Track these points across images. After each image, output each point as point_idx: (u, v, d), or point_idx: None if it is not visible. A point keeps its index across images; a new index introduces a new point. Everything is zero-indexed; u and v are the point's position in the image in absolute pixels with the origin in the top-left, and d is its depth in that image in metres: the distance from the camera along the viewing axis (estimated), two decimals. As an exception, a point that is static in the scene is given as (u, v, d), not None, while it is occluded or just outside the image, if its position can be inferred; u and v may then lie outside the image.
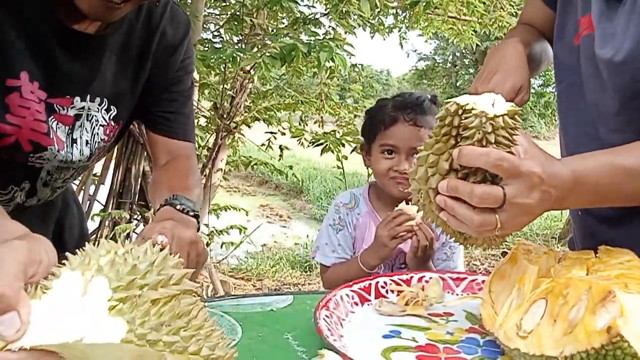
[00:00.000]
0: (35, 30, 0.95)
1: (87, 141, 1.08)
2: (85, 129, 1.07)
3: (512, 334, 0.77)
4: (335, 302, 0.96)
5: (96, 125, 1.09)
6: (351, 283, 1.03)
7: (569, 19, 1.07)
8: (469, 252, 5.05)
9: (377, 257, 1.44)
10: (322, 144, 3.40)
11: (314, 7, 3.43)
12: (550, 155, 0.81)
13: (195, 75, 3.29)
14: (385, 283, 1.06)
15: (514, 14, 4.26)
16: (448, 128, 0.77)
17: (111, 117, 1.10)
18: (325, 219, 1.65)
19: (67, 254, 0.58)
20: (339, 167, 3.67)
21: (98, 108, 1.08)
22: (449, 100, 0.77)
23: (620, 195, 0.85)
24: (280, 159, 3.92)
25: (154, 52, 1.12)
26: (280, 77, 4.22)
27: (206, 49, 2.88)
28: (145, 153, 3.27)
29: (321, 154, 3.43)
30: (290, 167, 4.18)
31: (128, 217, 3.25)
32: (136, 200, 3.36)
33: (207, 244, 3.71)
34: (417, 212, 1.37)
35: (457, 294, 1.07)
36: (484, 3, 4.14)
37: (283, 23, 3.53)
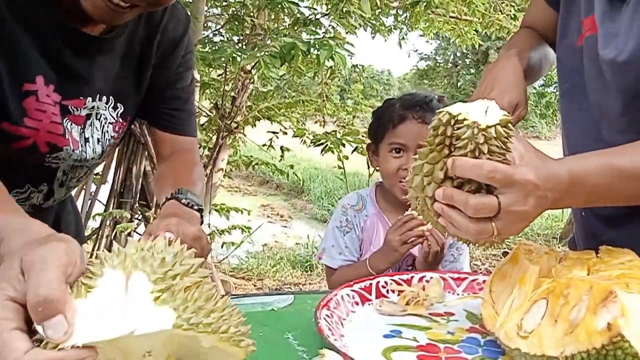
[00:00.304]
0: (45, 34, 0.97)
1: (98, 139, 1.11)
2: (96, 127, 1.10)
3: (512, 334, 0.77)
4: (336, 301, 0.96)
5: (105, 123, 1.11)
6: (352, 283, 1.03)
7: (572, 19, 1.07)
8: (470, 252, 5.03)
9: (387, 262, 1.43)
10: (323, 144, 3.40)
11: (315, 8, 3.43)
12: (546, 156, 0.81)
13: (196, 75, 3.30)
14: (386, 283, 1.06)
15: (513, 16, 4.26)
16: (441, 137, 0.77)
17: (119, 115, 1.13)
18: (332, 220, 1.63)
19: (99, 253, 0.59)
20: (339, 167, 3.67)
21: (105, 106, 1.10)
22: (441, 110, 0.77)
23: (618, 195, 0.85)
24: (281, 160, 3.92)
25: (156, 49, 1.14)
26: (280, 78, 4.22)
27: (207, 50, 2.88)
28: (147, 153, 3.28)
29: (322, 154, 3.43)
30: (291, 167, 4.18)
31: (129, 216, 3.26)
32: (137, 199, 3.36)
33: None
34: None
35: (458, 294, 1.07)
36: (483, 3, 4.14)
37: (284, 23, 3.53)
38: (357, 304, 1.00)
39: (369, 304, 1.01)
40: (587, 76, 1.01)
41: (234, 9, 3.56)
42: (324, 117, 3.90)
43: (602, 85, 0.97)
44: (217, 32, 3.87)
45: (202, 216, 1.07)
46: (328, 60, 2.35)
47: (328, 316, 0.90)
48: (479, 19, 4.27)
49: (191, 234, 0.92)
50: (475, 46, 4.84)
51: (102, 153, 1.13)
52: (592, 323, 0.66)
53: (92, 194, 3.43)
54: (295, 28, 3.01)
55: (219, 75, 3.51)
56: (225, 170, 3.77)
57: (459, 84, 18.97)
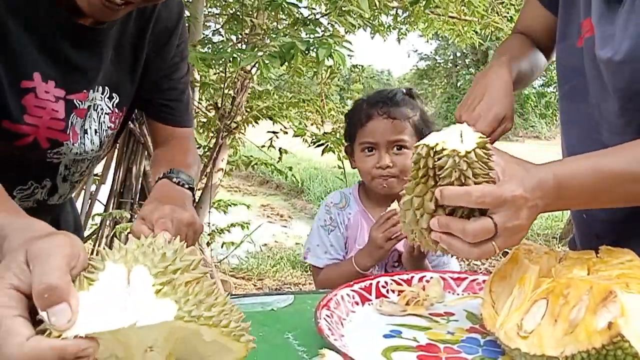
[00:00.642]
0: (43, 30, 0.98)
1: (95, 130, 1.12)
2: (93, 118, 1.11)
3: (512, 333, 0.77)
4: (336, 301, 0.96)
5: (102, 113, 1.12)
6: (352, 283, 1.03)
7: (571, 21, 1.07)
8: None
9: (372, 259, 1.43)
10: (323, 144, 3.40)
11: (314, 9, 3.43)
12: (528, 163, 0.83)
13: (196, 75, 3.30)
14: (386, 283, 1.06)
15: (510, 18, 4.27)
16: (424, 169, 0.79)
17: (114, 105, 1.14)
18: (316, 219, 1.64)
19: (100, 249, 0.62)
20: (339, 167, 3.67)
21: (102, 97, 1.11)
22: (418, 144, 0.80)
23: (609, 196, 0.85)
24: (279, 162, 3.92)
25: (149, 38, 1.15)
26: (279, 78, 4.22)
27: (207, 50, 2.88)
28: (147, 153, 3.28)
29: (322, 153, 3.43)
30: (290, 169, 4.18)
31: (129, 216, 3.25)
32: (137, 199, 3.36)
33: (208, 244, 3.72)
34: None
35: (458, 294, 1.07)
36: (483, 4, 4.13)
37: (283, 22, 3.53)
38: (357, 304, 1.00)
39: (369, 304, 1.01)
40: (588, 77, 1.01)
41: (233, 9, 3.56)
42: (322, 118, 3.90)
43: (601, 87, 0.97)
44: (216, 31, 3.87)
45: (194, 195, 1.11)
46: (327, 58, 2.35)
47: (328, 316, 0.90)
48: (478, 20, 4.27)
49: (185, 220, 0.96)
50: (475, 46, 4.83)
51: (101, 145, 1.14)
52: (592, 323, 0.67)
53: (92, 194, 3.43)
54: (295, 28, 3.01)
55: (215, 74, 3.50)
56: (225, 170, 3.77)
57: (458, 84, 18.94)
